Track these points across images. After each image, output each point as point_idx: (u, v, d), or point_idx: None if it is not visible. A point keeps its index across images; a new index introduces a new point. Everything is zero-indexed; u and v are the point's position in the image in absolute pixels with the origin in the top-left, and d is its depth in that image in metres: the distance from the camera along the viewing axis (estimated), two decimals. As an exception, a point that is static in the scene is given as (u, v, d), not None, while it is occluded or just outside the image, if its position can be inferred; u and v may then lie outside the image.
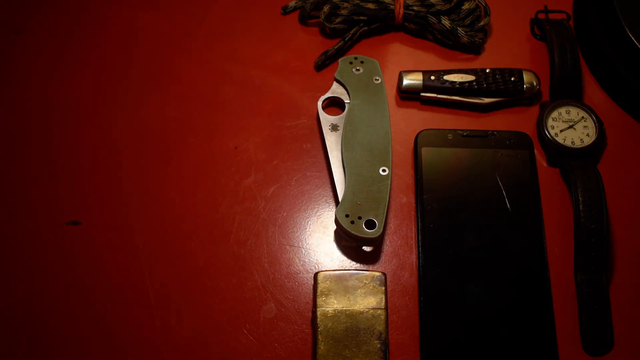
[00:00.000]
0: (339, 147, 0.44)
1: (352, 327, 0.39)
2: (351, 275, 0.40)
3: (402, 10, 0.49)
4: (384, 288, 0.40)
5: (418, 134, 0.46)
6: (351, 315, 0.39)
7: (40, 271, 0.43)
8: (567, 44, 0.48)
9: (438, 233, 0.42)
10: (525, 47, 0.51)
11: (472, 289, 0.41)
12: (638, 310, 0.41)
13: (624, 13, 0.47)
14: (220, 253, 0.43)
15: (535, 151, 0.46)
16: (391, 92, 0.49)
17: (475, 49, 0.51)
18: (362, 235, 0.40)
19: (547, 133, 0.46)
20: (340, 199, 0.41)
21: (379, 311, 0.39)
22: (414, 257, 0.43)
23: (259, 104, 0.49)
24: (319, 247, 0.44)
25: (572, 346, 0.40)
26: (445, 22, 0.49)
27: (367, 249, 0.43)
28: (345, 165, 0.42)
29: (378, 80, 0.47)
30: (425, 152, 0.45)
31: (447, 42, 0.51)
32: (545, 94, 0.49)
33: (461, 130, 0.46)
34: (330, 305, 0.39)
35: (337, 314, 0.39)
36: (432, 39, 0.51)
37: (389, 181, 0.42)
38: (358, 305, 0.39)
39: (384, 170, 0.42)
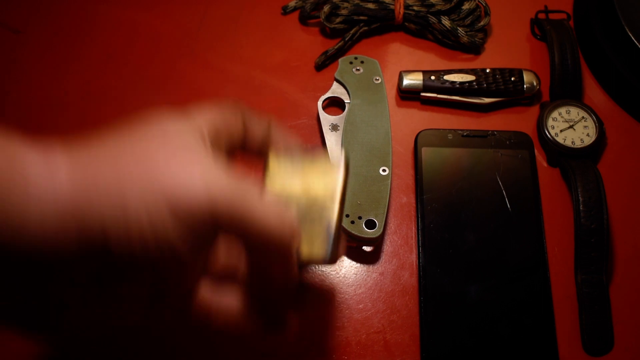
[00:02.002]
0: (339, 147, 0.44)
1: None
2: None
3: (402, 10, 0.49)
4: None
5: (418, 134, 0.46)
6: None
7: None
8: (567, 44, 0.48)
9: (438, 233, 0.42)
10: (525, 47, 0.51)
11: (472, 289, 0.41)
12: (638, 310, 0.41)
13: (624, 13, 0.47)
14: (220, 253, 0.43)
15: (535, 151, 0.46)
16: (391, 92, 0.49)
17: (475, 49, 0.51)
18: (363, 235, 0.40)
19: (547, 133, 0.46)
20: (340, 199, 0.41)
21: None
22: (414, 257, 0.43)
23: (259, 104, 0.49)
24: (319, 247, 0.43)
25: (572, 346, 0.40)
26: (446, 22, 0.49)
27: (367, 248, 0.43)
28: (345, 165, 0.42)
29: (378, 80, 0.47)
30: (425, 152, 0.45)
31: (447, 42, 0.51)
32: (545, 94, 0.49)
33: (461, 130, 0.46)
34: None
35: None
36: (432, 39, 0.51)
37: (389, 181, 0.42)
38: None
39: (384, 170, 0.42)
